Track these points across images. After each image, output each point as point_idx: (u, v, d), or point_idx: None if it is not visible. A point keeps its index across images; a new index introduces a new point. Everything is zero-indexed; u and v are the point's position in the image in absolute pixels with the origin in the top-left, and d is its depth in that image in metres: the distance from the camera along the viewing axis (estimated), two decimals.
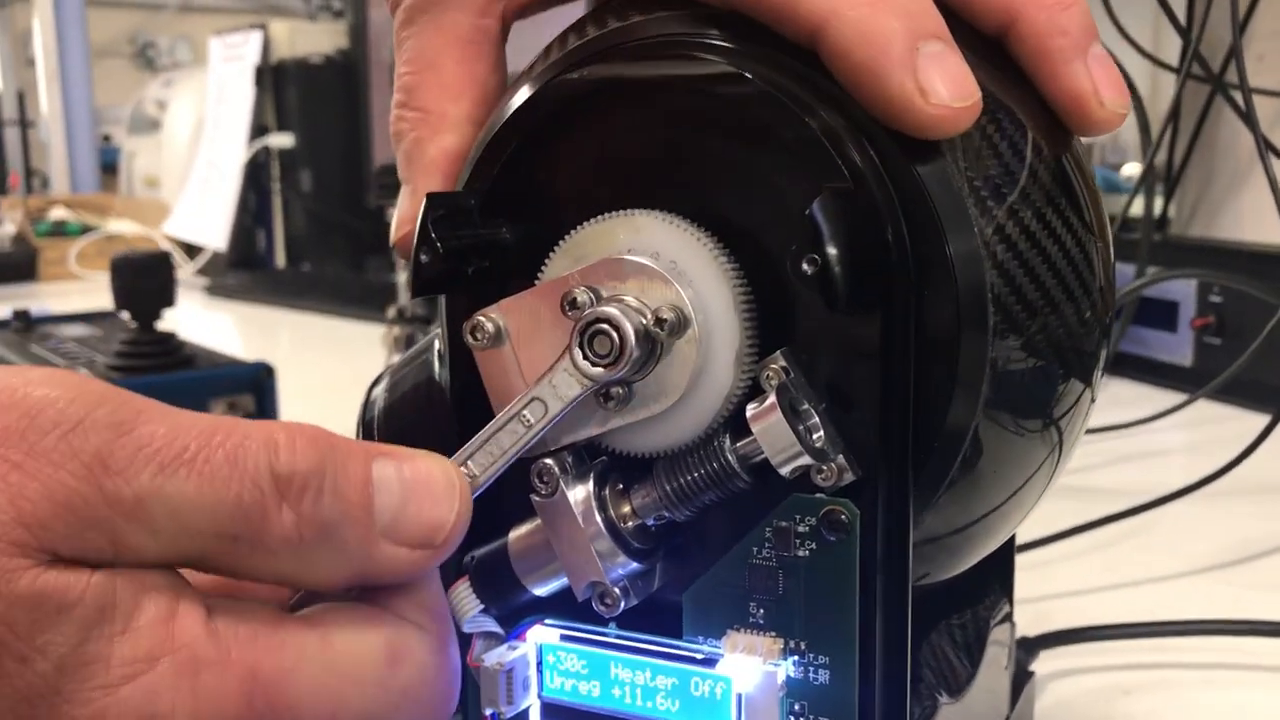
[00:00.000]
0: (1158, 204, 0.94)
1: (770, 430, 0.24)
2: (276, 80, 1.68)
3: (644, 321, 0.25)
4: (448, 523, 0.24)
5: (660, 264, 0.25)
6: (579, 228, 0.26)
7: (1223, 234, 0.95)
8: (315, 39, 1.74)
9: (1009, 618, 0.36)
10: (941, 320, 0.25)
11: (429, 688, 0.24)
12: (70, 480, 0.21)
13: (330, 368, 1.14)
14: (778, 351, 0.25)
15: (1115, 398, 0.87)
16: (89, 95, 2.77)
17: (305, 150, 1.67)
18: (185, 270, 1.67)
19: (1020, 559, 0.38)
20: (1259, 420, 0.62)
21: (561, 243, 0.27)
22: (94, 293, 1.44)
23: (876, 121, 0.24)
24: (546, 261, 0.27)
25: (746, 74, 0.25)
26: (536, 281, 0.27)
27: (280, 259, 1.72)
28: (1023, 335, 0.26)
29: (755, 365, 0.25)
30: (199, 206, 1.68)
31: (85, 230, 1.86)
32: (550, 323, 0.26)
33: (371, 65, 1.61)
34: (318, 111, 1.67)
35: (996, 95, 0.26)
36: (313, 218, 1.69)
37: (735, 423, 0.25)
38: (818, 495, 0.25)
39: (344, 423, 0.39)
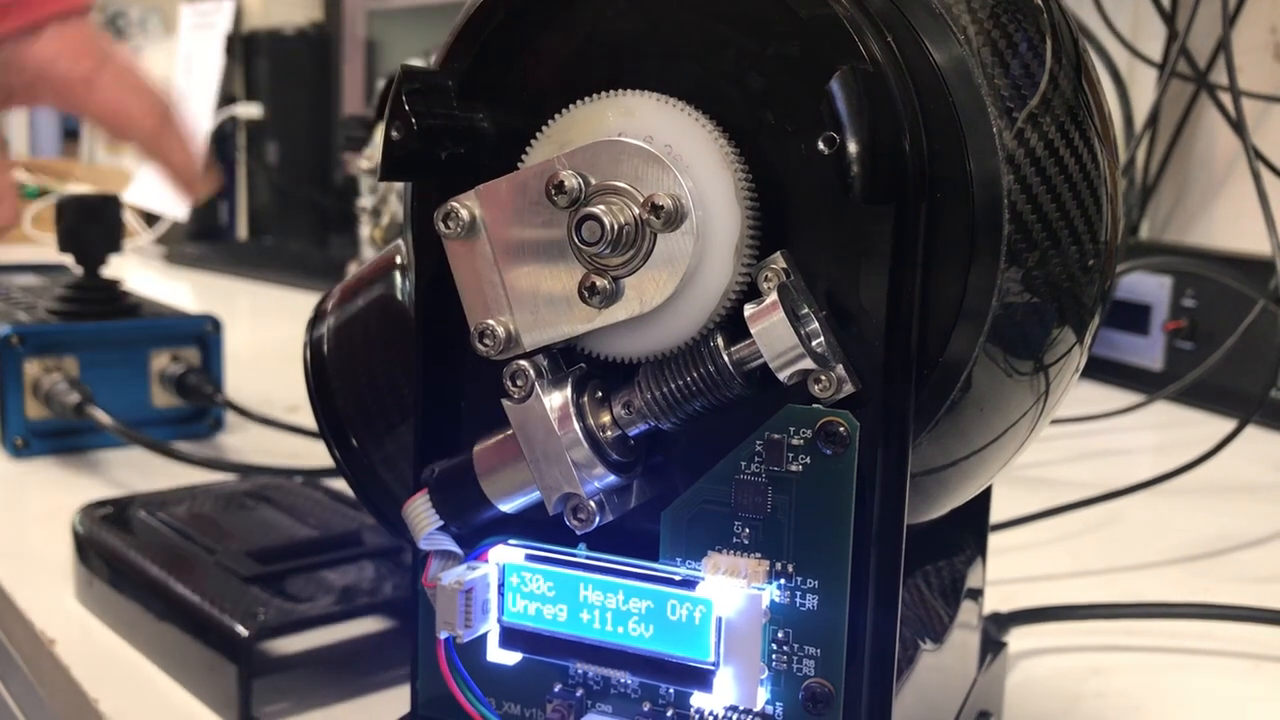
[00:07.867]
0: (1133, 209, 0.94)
1: (771, 330, 0.22)
2: (247, 50, 1.64)
3: (636, 211, 0.23)
4: None
5: (655, 148, 0.23)
6: (564, 111, 0.24)
7: (1196, 241, 0.94)
8: (288, 10, 1.71)
9: (982, 574, 0.35)
10: (954, 225, 0.23)
11: None
12: None
13: (285, 335, 1.11)
14: (777, 252, 0.23)
15: (1083, 399, 0.86)
16: None
17: (273, 122, 1.63)
18: (143, 238, 1.62)
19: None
20: (1227, 425, 0.61)
21: (545, 128, 0.25)
22: (47, 256, 1.39)
23: (897, 9, 0.23)
24: (528, 150, 0.25)
25: None
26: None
27: (242, 231, 1.68)
28: (1035, 253, 0.25)
29: (754, 264, 0.23)
30: None
31: (43, 194, 1.80)
32: (532, 211, 0.24)
33: (345, 39, 1.58)
34: (288, 83, 1.63)
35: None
36: (277, 191, 1.65)
37: (730, 326, 0.24)
38: (814, 406, 0.23)
39: (294, 387, 0.37)
